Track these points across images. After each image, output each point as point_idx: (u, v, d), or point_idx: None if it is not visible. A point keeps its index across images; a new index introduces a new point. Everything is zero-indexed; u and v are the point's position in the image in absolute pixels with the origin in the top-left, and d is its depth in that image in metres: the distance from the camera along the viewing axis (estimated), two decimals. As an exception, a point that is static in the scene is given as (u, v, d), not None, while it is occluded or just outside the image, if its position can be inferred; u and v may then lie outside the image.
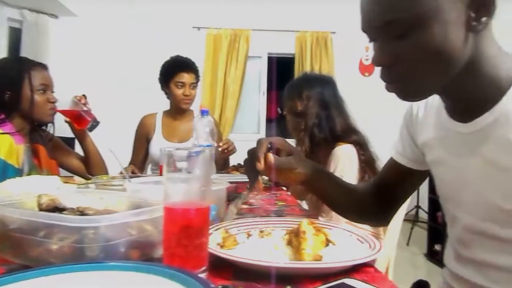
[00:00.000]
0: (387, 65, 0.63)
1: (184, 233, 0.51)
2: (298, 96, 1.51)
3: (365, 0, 0.63)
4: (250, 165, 0.80)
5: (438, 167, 0.75)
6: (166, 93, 2.02)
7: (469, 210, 0.70)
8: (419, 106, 0.80)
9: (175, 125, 2.03)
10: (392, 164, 0.88)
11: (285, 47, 4.18)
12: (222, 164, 1.98)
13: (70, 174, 1.69)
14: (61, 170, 1.67)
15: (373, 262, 0.66)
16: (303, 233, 0.57)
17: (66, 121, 1.55)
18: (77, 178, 1.27)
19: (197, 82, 1.98)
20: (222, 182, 0.82)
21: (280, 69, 4.28)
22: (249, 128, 4.33)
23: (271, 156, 0.78)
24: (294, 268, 0.53)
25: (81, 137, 1.61)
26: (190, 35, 4.10)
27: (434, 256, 3.05)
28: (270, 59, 4.31)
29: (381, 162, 1.48)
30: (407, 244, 3.38)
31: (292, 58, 4.18)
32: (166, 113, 2.07)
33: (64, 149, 1.65)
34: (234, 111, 4.13)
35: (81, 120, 1.54)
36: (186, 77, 1.92)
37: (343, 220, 1.40)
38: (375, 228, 1.46)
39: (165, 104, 2.07)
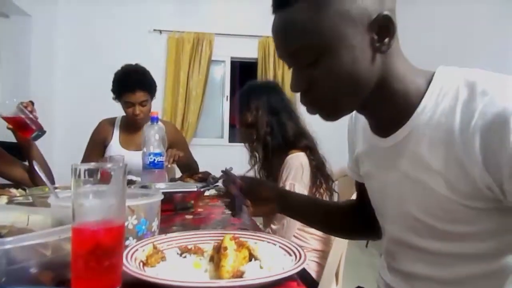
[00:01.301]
0: (302, 90, 0.65)
1: (93, 254, 0.49)
2: (247, 108, 1.51)
3: (273, 30, 0.65)
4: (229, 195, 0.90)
5: (368, 180, 0.78)
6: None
7: (393, 221, 0.72)
8: (355, 118, 0.82)
9: (133, 133, 1.97)
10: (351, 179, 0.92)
11: (248, 51, 4.19)
12: (187, 168, 1.95)
13: (10, 183, 1.60)
14: (3, 179, 1.59)
15: (303, 274, 0.66)
16: (224, 249, 0.56)
17: (8, 128, 1.47)
18: (13, 190, 1.20)
19: (150, 98, 1.91)
20: (155, 195, 0.79)
21: (244, 73, 4.29)
22: (212, 132, 4.30)
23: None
24: (208, 287, 0.52)
25: (25, 146, 1.53)
26: (152, 38, 4.03)
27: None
28: (233, 64, 4.31)
29: (329, 164, 1.52)
30: (366, 246, 3.46)
31: (255, 62, 4.20)
32: (124, 120, 2.01)
33: (5, 158, 1.56)
34: (197, 116, 4.09)
35: (25, 128, 1.46)
36: (135, 98, 1.84)
37: (294, 228, 1.42)
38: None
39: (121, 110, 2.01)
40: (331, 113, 0.66)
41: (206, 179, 1.75)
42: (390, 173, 0.68)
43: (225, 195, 1.01)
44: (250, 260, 0.58)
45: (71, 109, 3.85)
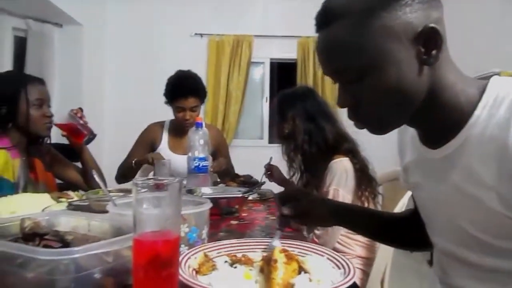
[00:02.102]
0: (349, 106, 0.65)
1: (152, 265, 0.52)
2: (283, 118, 1.51)
3: (317, 48, 0.65)
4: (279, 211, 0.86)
5: (417, 191, 0.76)
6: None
7: (443, 234, 0.70)
8: (404, 127, 0.80)
9: (181, 137, 2.03)
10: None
11: (287, 52, 4.18)
12: (223, 174, 1.99)
13: (70, 185, 1.71)
14: (60, 181, 1.70)
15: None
16: (274, 261, 0.57)
17: (63, 135, 1.58)
18: (71, 193, 1.29)
19: (200, 104, 1.97)
20: (204, 202, 0.82)
21: (283, 74, 4.27)
22: (252, 133, 4.33)
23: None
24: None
25: (78, 150, 1.63)
26: (193, 42, 4.12)
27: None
28: (272, 65, 4.31)
29: (372, 165, 1.48)
30: (411, 251, 3.33)
31: (294, 63, 4.18)
32: (172, 124, 2.07)
33: (62, 161, 1.67)
34: (237, 117, 4.14)
35: (78, 133, 1.56)
36: (186, 103, 1.90)
37: (338, 234, 1.41)
38: (370, 239, 1.45)
39: (170, 112, 2.08)
40: (379, 128, 0.66)
41: (248, 182, 1.78)
42: (440, 185, 0.66)
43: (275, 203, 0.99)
44: (299, 273, 0.59)
45: (120, 114, 4.03)
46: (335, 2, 0.62)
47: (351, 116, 0.66)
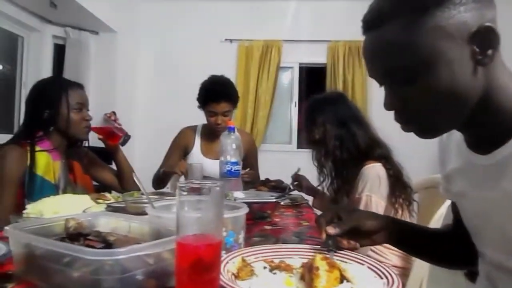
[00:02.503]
0: (397, 109, 0.63)
1: (195, 268, 0.52)
2: (313, 124, 1.50)
3: (365, 50, 0.64)
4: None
5: (461, 200, 0.73)
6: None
7: (494, 246, 0.66)
8: (448, 133, 0.77)
9: (213, 142, 2.05)
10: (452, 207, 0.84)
11: (317, 57, 4.15)
12: (248, 183, 1.99)
13: (107, 186, 1.76)
14: (96, 183, 1.75)
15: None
16: (316, 269, 0.56)
17: (99, 139, 1.63)
18: (108, 195, 1.32)
19: (233, 109, 1.98)
20: (241, 207, 0.82)
21: (312, 79, 4.25)
22: (280, 138, 4.32)
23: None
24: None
25: (114, 152, 1.68)
26: (223, 47, 4.17)
27: (476, 277, 2.87)
28: (301, 69, 4.29)
29: (406, 171, 1.44)
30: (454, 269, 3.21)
31: (324, 68, 4.15)
32: (205, 129, 2.10)
33: (98, 164, 1.72)
34: (266, 122, 4.14)
35: (113, 136, 1.61)
36: (218, 108, 1.92)
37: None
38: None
39: (202, 117, 2.10)
40: (429, 131, 0.64)
41: (279, 187, 1.77)
42: (490, 193, 0.63)
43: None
44: (341, 281, 0.58)
45: (151, 119, 4.13)
46: (385, 3, 0.61)
47: (399, 119, 0.64)
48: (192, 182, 0.57)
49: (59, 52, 3.61)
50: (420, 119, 0.62)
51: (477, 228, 0.71)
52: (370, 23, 0.62)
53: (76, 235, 0.71)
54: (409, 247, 0.88)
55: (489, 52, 0.58)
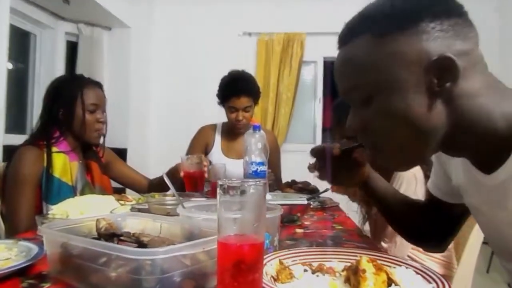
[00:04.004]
0: (357, 130, 0.67)
1: (237, 268, 0.54)
2: (346, 117, 1.49)
3: (335, 64, 0.69)
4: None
5: (474, 212, 0.75)
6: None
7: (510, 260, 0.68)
8: None
9: (234, 141, 2.09)
10: (428, 194, 0.90)
11: (342, 50, 4.14)
12: (273, 182, 2.01)
13: (121, 187, 1.80)
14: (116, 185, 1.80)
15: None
16: (363, 271, 0.57)
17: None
18: (129, 196, 1.36)
19: (254, 104, 2.02)
20: (275, 208, 0.84)
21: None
22: (304, 137, 4.32)
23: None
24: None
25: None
26: (241, 41, 4.20)
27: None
28: (326, 64, 4.29)
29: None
30: (487, 271, 3.16)
31: (350, 61, 4.13)
32: (225, 127, 2.13)
33: (119, 163, 1.77)
34: (288, 120, 4.15)
35: (197, 183, 1.60)
36: (239, 103, 1.96)
37: (408, 248, 1.37)
38: (447, 256, 1.41)
39: (220, 114, 2.13)
40: (396, 162, 0.67)
41: (306, 189, 1.78)
42: (499, 212, 0.64)
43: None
44: (389, 285, 0.59)
45: (168, 117, 4.20)
46: (355, 21, 0.65)
47: (361, 141, 0.69)
48: (232, 181, 0.59)
49: (72, 49, 3.72)
50: (380, 145, 0.65)
51: (492, 243, 0.73)
52: (341, 39, 0.67)
53: (110, 235, 0.74)
54: (384, 205, 0.97)
55: (447, 85, 0.59)
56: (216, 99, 2.07)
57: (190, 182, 1.59)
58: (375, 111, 0.63)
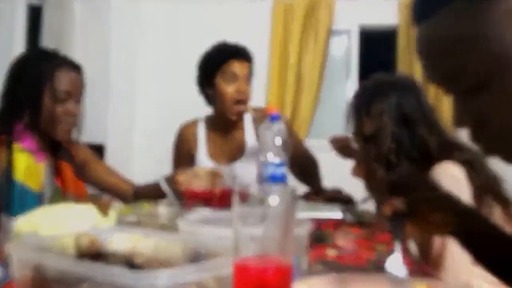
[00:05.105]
0: (470, 126, 0.65)
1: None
2: (366, 112, 1.50)
3: (419, 46, 0.67)
4: None
5: None
6: (207, 97, 2.06)
7: None
8: None
9: (223, 140, 2.07)
10: None
11: (383, 17, 4.11)
12: (300, 170, 2.02)
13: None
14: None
15: None
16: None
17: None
18: (108, 199, 1.38)
19: (251, 77, 2.02)
20: (302, 222, 0.85)
21: (378, 47, 4.23)
22: (333, 130, 4.29)
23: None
24: None
25: None
26: (253, 8, 4.20)
27: None
28: (363, 34, 4.28)
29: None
30: None
31: (394, 31, 4.11)
32: (209, 123, 2.10)
33: (98, 163, 1.79)
34: (312, 108, 4.15)
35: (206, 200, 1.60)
36: (241, 68, 1.95)
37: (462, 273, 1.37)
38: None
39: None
40: None
41: (338, 198, 1.79)
42: None
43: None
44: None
45: (157, 101, 4.20)
46: None
47: (475, 140, 0.66)
48: (250, 187, 0.61)
49: (35, 15, 3.73)
50: (502, 140, 0.63)
51: None
52: (424, 9, 0.64)
53: (94, 255, 0.76)
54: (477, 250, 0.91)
55: None
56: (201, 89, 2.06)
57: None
58: (498, 95, 0.61)
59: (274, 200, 0.58)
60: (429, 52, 0.66)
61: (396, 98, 1.50)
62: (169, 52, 4.24)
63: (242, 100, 1.96)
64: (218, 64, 1.96)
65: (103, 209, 1.28)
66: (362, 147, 1.56)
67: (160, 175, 1.66)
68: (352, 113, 1.59)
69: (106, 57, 3.90)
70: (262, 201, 0.58)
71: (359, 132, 1.55)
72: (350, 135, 1.61)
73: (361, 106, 1.54)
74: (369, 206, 1.80)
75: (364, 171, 1.66)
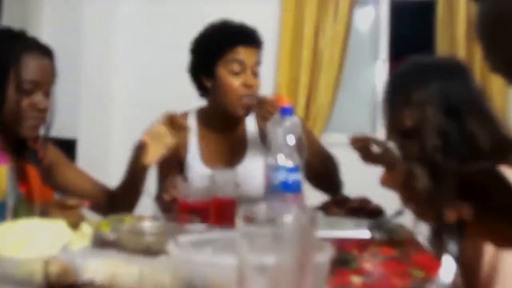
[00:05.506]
0: None
1: None
2: (405, 102, 1.51)
3: (479, 27, 0.69)
4: None
5: None
6: (202, 88, 2.05)
7: None
8: None
9: (220, 138, 2.07)
10: None
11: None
12: (315, 173, 2.00)
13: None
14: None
15: None
16: None
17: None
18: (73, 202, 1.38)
19: (259, 65, 2.00)
20: (323, 246, 0.85)
21: (412, 21, 4.21)
22: (357, 123, 4.30)
23: None
24: None
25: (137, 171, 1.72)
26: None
27: None
28: (394, 5, 4.28)
29: None
30: None
31: (431, 2, 4.10)
32: (203, 117, 2.10)
33: (68, 166, 1.81)
34: (332, 95, 4.15)
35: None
36: (249, 55, 1.94)
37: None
38: None
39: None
40: None
41: (365, 210, 1.79)
42: None
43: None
44: None
45: (137, 92, 4.21)
46: None
47: None
48: (260, 205, 0.61)
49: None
50: None
51: None
52: None
53: (65, 286, 0.77)
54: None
55: None
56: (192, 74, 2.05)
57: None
58: None
59: (288, 218, 0.58)
60: (493, 32, 0.66)
61: (440, 83, 1.51)
62: (151, 34, 4.26)
63: (251, 94, 1.94)
64: (221, 51, 1.93)
65: (73, 218, 1.28)
66: (400, 144, 1.56)
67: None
68: (387, 102, 1.60)
69: (78, 40, 3.93)
70: (272, 219, 0.59)
71: (396, 126, 1.56)
72: (375, 132, 1.62)
73: (399, 94, 1.56)
74: (404, 220, 1.81)
75: (398, 177, 1.65)
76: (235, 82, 1.92)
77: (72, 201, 1.36)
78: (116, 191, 1.78)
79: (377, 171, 1.86)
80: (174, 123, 1.71)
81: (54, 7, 3.88)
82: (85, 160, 3.21)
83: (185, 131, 1.82)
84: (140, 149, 1.68)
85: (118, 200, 1.73)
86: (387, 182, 1.63)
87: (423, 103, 1.48)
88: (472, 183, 0.88)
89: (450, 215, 0.85)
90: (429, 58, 1.64)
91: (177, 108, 2.19)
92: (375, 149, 1.87)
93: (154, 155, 1.69)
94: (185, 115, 2.09)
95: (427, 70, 1.56)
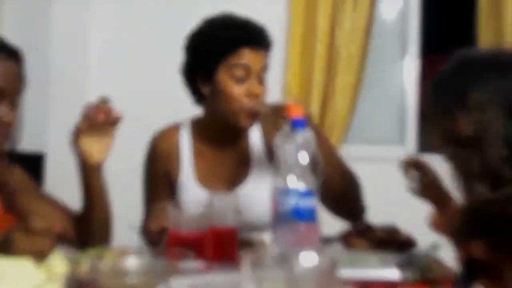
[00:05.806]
0: None
1: None
2: (460, 106, 1.50)
3: None
4: None
5: None
6: (196, 94, 2.05)
7: None
8: None
9: (218, 155, 2.07)
10: None
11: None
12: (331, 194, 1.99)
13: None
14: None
15: None
16: None
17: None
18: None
19: (267, 69, 2.00)
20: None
21: (447, 9, 4.23)
22: (381, 133, 4.32)
23: None
24: None
25: (90, 174, 1.71)
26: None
27: None
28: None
29: None
30: None
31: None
32: (198, 130, 2.10)
33: (34, 193, 1.80)
34: (351, 100, 4.15)
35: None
36: (256, 59, 1.94)
37: None
38: None
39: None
40: None
41: (393, 241, 1.77)
42: None
43: None
44: None
45: (118, 99, 4.21)
46: None
47: None
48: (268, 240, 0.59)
49: None
50: None
51: None
52: None
53: None
54: None
55: None
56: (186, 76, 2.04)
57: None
58: None
59: (304, 259, 0.57)
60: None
61: (502, 81, 1.50)
62: (131, 35, 4.28)
63: (256, 102, 1.92)
64: (223, 54, 1.93)
65: (41, 246, 1.27)
66: (455, 157, 1.54)
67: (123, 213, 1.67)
68: (435, 107, 1.59)
69: (47, 39, 3.95)
70: (284, 259, 0.58)
71: (449, 134, 1.55)
72: (403, 144, 1.58)
73: (451, 96, 1.55)
74: (442, 254, 1.79)
75: (453, 220, 1.64)
76: (238, 90, 1.91)
77: (40, 224, 1.33)
78: (80, 215, 1.76)
79: (407, 194, 1.85)
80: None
81: (18, 5, 3.90)
82: (54, 176, 3.20)
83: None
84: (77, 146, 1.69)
85: (86, 227, 1.71)
86: (438, 226, 1.61)
87: (483, 105, 1.47)
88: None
89: (462, 254, 0.87)
90: (481, 52, 1.62)
91: (162, 118, 2.21)
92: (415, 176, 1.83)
93: (101, 150, 1.74)
94: (176, 128, 2.11)
95: (483, 66, 1.55)
